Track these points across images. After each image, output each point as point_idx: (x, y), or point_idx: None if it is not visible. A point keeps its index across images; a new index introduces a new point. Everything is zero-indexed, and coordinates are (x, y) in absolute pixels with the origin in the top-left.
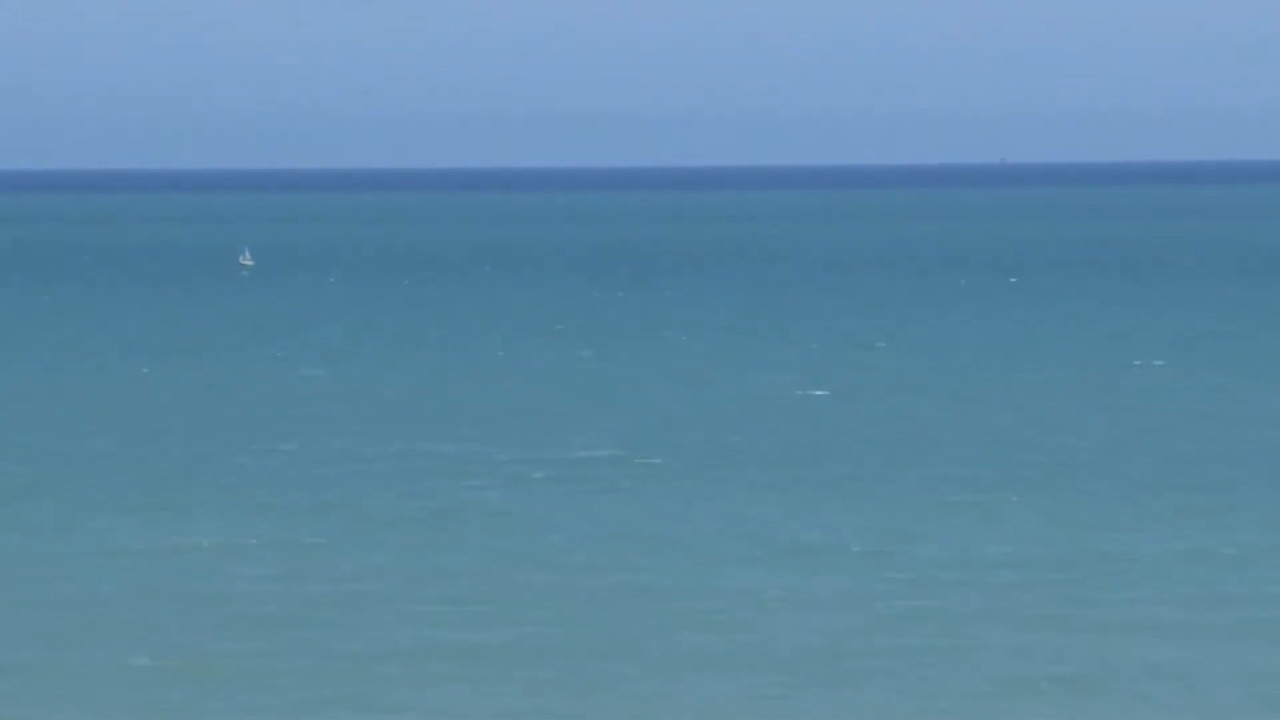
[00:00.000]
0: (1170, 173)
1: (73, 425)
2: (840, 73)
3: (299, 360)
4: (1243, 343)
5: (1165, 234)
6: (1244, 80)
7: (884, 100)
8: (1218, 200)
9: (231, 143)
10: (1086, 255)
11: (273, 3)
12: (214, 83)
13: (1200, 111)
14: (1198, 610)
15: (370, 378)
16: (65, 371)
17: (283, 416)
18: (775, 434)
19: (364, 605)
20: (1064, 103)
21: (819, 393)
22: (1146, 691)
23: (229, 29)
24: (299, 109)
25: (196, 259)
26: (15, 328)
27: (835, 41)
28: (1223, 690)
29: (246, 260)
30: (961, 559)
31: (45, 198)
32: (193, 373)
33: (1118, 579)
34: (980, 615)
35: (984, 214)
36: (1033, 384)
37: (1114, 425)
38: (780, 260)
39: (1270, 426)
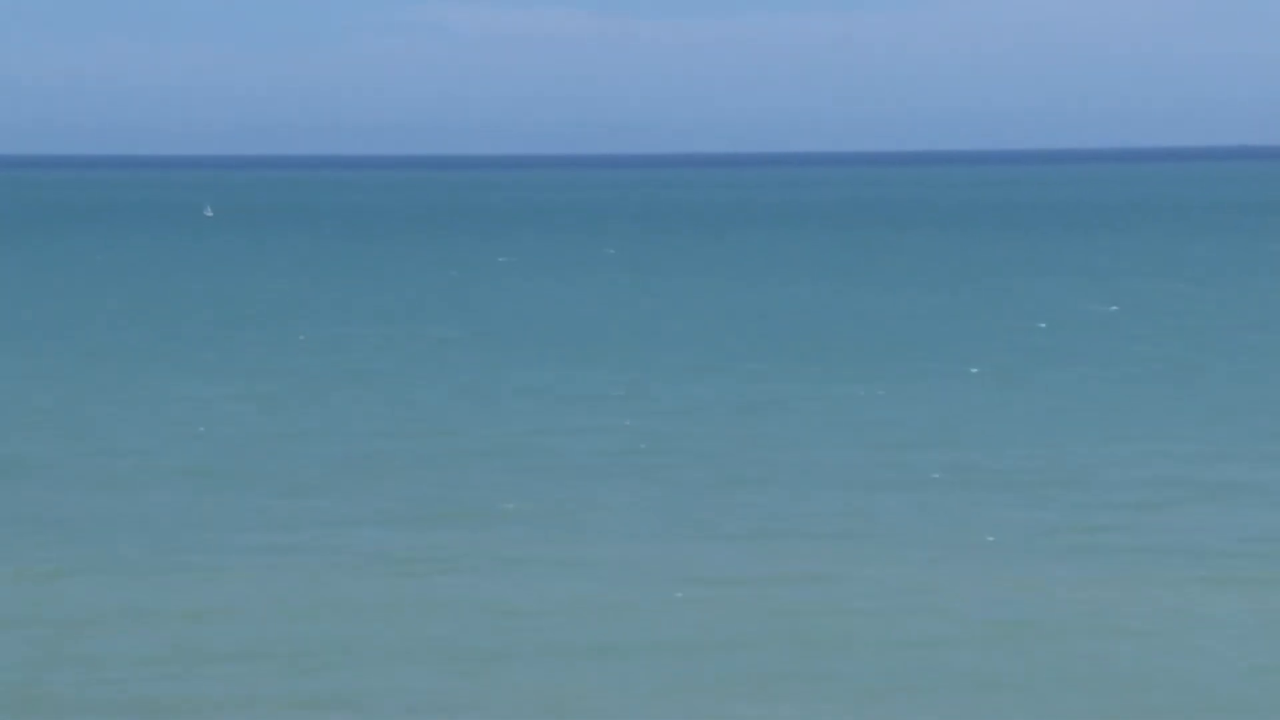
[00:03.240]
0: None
1: (116, 318)
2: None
3: (271, 274)
4: (858, 266)
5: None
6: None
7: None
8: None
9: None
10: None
11: None
12: None
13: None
14: (854, 432)
15: (309, 289)
16: (111, 284)
17: (259, 314)
18: (567, 326)
19: (308, 435)
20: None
21: (587, 303)
22: (808, 496)
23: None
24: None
25: (169, 212)
26: (78, 260)
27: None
28: (879, 485)
29: (208, 213)
30: (688, 403)
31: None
32: (200, 284)
33: (783, 418)
34: (701, 436)
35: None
36: (722, 298)
37: (760, 321)
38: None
39: (858, 318)
